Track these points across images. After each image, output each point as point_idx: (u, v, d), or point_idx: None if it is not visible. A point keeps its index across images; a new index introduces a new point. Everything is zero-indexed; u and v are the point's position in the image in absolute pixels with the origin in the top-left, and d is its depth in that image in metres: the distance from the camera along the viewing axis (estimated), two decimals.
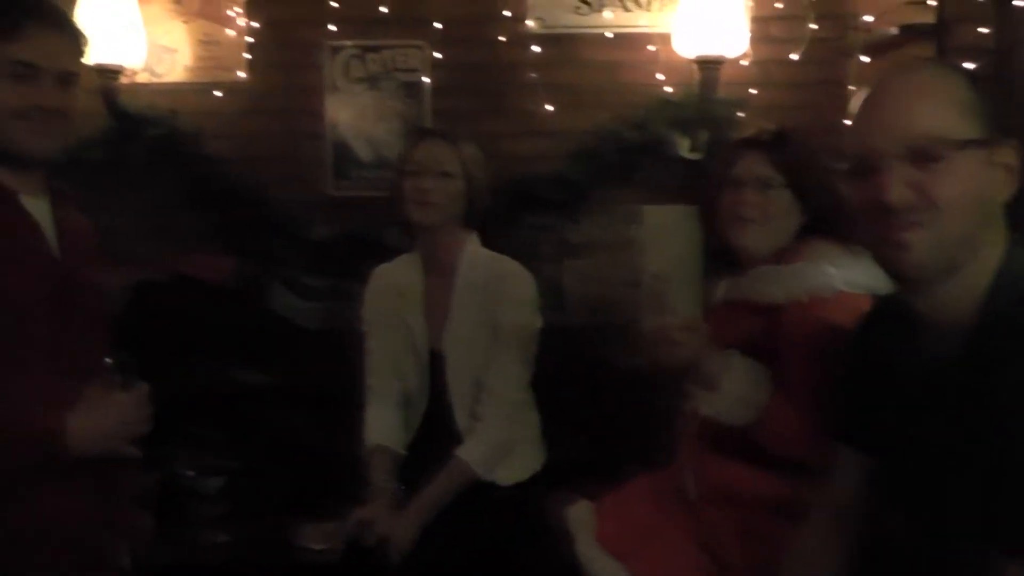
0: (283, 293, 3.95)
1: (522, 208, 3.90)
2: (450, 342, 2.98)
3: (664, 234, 3.84)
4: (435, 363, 3.00)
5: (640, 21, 4.08)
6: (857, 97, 3.42)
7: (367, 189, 4.08)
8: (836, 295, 2.23)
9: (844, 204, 1.80)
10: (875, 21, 3.79)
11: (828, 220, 2.35)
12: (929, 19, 3.41)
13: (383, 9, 4.11)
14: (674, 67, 4.00)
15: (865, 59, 3.86)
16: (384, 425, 3.02)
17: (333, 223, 4.02)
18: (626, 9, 4.08)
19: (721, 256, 2.55)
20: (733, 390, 2.27)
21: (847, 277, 2.23)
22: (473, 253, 3.04)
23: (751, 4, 3.93)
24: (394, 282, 3.10)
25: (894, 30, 3.58)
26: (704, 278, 2.91)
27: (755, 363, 2.29)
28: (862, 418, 1.88)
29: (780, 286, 2.31)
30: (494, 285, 2.97)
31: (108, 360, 2.06)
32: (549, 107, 4.06)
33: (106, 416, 2.03)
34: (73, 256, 2.19)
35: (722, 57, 3.80)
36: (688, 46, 3.81)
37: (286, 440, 3.63)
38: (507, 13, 4.09)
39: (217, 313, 3.75)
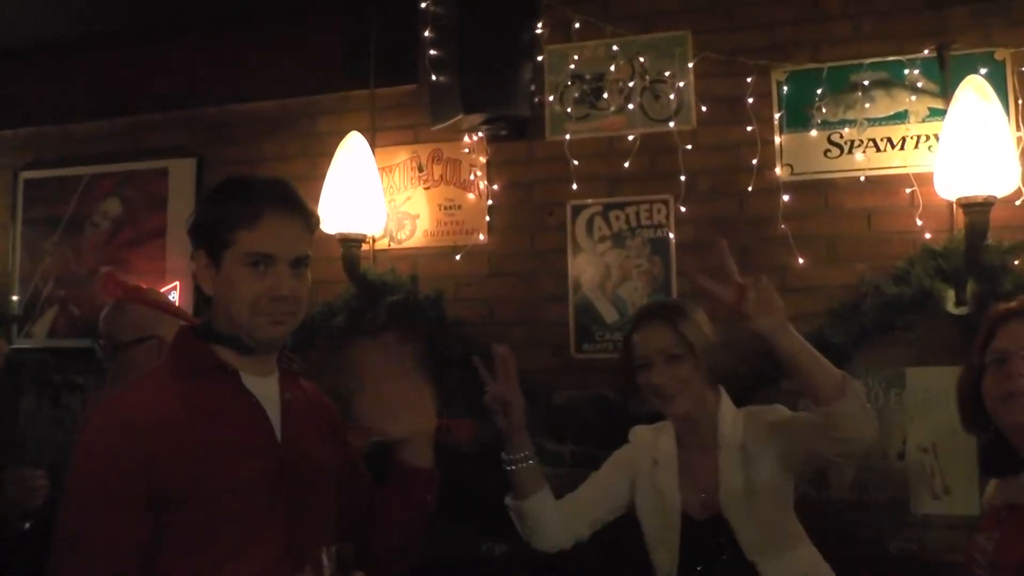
0: None
1: (777, 372, 3.62)
2: (731, 505, 2.71)
3: (931, 400, 3.59)
4: (716, 529, 2.72)
5: (894, 162, 3.83)
6: None
7: (612, 352, 3.96)
8: None
9: None
10: None
11: None
12: None
13: (626, 165, 4.06)
14: (934, 211, 3.74)
15: None
16: None
17: (576, 387, 3.92)
18: (879, 149, 3.85)
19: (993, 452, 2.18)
20: None
21: None
22: (730, 418, 2.80)
23: (1021, 135, 3.64)
24: (650, 449, 2.90)
25: None
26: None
27: None
28: None
29: None
30: (753, 443, 2.73)
31: (323, 548, 1.95)
32: (801, 260, 3.85)
33: None
34: (297, 437, 2.13)
35: (991, 198, 3.46)
36: (951, 187, 3.50)
37: None
38: (754, 162, 3.93)
39: (456, 476, 3.69)
